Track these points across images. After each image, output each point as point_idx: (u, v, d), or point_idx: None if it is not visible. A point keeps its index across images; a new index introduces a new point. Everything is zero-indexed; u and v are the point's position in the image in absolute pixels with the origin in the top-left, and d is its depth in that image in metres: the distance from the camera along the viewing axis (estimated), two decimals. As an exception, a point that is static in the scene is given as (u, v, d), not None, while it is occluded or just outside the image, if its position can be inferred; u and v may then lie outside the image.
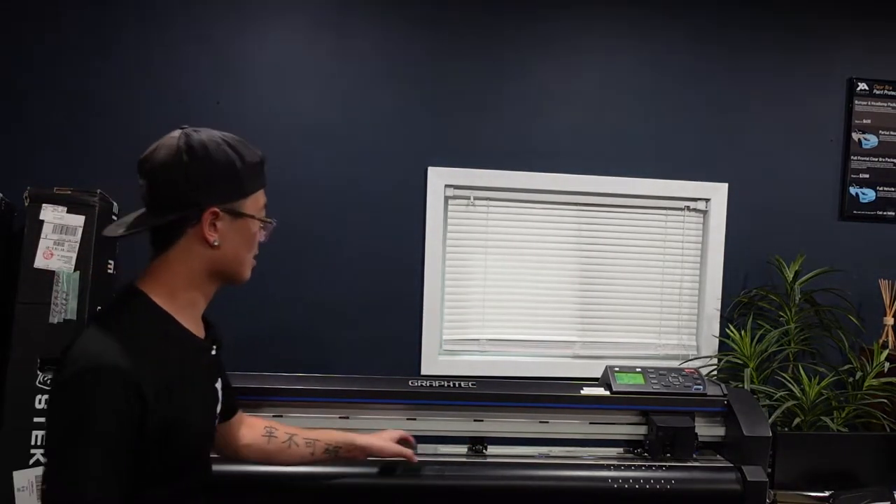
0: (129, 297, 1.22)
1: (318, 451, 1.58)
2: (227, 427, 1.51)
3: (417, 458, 1.69)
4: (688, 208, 2.96)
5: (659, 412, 1.91)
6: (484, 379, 2.01)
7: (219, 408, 1.37)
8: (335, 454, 1.60)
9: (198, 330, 1.30)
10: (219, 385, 1.37)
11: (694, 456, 1.90)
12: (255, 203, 1.28)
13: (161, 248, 1.23)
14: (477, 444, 1.91)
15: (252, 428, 1.56)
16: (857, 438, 2.44)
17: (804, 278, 2.83)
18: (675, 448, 1.86)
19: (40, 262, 2.34)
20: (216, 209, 1.21)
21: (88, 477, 1.08)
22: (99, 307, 1.26)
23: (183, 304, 1.25)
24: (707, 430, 1.95)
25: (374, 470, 1.73)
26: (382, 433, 1.70)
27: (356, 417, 1.86)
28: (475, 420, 1.90)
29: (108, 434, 1.09)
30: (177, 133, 1.22)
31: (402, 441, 1.71)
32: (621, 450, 1.98)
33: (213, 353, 1.35)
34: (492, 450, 1.91)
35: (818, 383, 2.55)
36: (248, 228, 1.27)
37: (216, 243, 1.22)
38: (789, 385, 2.59)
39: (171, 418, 1.16)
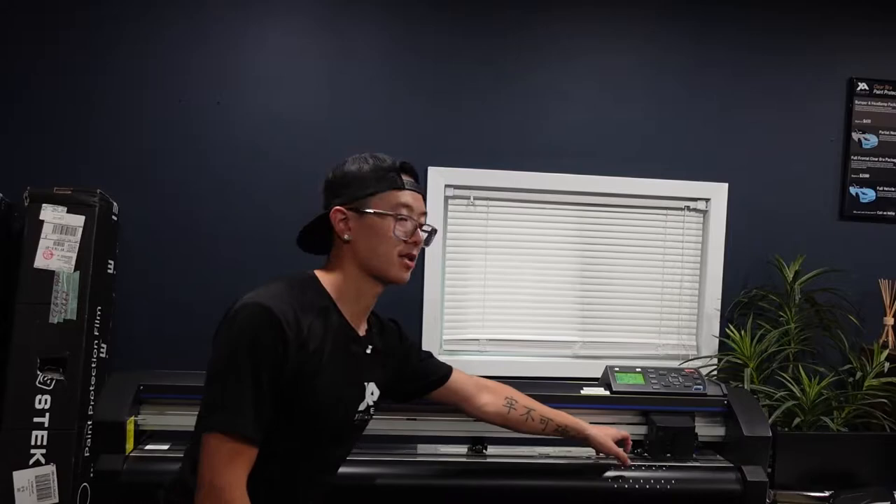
0: (301, 274, 1.43)
1: (550, 428, 1.74)
2: (457, 391, 1.69)
3: (630, 462, 1.80)
4: (688, 208, 2.96)
5: (659, 412, 1.91)
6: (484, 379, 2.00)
7: (362, 405, 1.48)
8: (563, 434, 1.77)
9: (357, 324, 1.46)
10: (370, 386, 1.49)
11: (694, 456, 1.90)
12: (385, 202, 1.42)
13: (328, 249, 1.47)
14: (477, 444, 1.91)
15: (495, 395, 1.72)
16: (857, 438, 2.44)
17: (804, 278, 2.84)
18: (675, 448, 1.86)
19: (40, 262, 2.34)
20: (339, 208, 1.41)
21: (238, 394, 1.25)
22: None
23: (346, 296, 1.43)
24: (707, 430, 1.95)
25: (377, 471, 1.74)
26: (606, 428, 1.82)
27: (356, 417, 1.85)
28: (475, 420, 1.89)
29: (256, 359, 1.26)
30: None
31: (621, 440, 1.82)
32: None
33: (369, 352, 1.48)
34: (492, 450, 1.90)
35: (818, 383, 2.55)
36: (376, 224, 1.41)
37: (347, 238, 1.41)
38: (789, 385, 2.59)
39: (305, 376, 1.32)
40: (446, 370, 1.70)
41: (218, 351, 1.30)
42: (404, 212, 1.42)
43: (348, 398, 1.45)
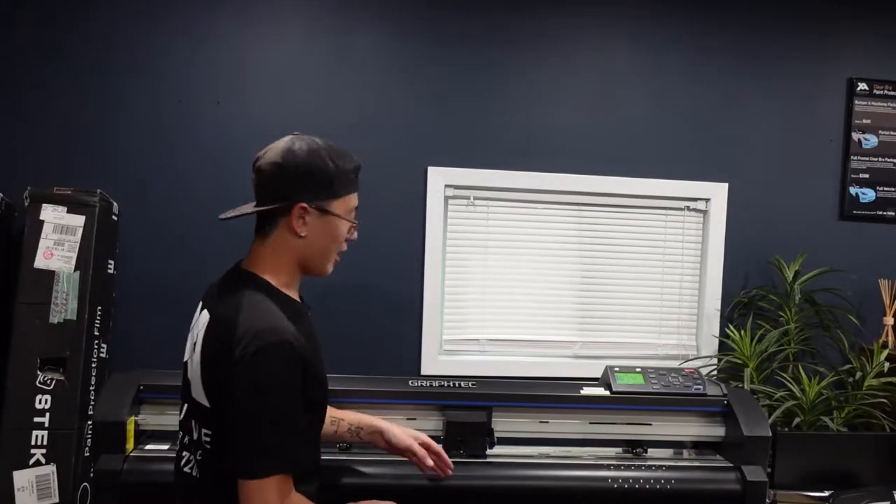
0: (257, 282, 1.40)
1: (342, 429, 1.70)
2: None
3: (430, 466, 1.67)
4: (688, 208, 2.96)
5: (454, 407, 1.85)
6: (484, 379, 2.01)
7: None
8: (357, 434, 1.70)
9: (297, 296, 1.48)
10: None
11: (695, 456, 1.90)
12: (345, 205, 1.44)
13: (262, 235, 1.43)
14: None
15: None
16: (857, 438, 2.44)
17: (804, 278, 2.84)
18: (467, 444, 1.83)
19: (40, 262, 2.34)
20: (304, 205, 1.38)
21: (291, 432, 1.29)
22: (220, 289, 1.45)
23: (289, 284, 1.44)
24: (707, 430, 1.95)
25: (377, 471, 1.74)
26: (409, 430, 1.70)
27: (356, 417, 1.85)
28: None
29: (297, 393, 1.30)
30: (287, 137, 1.43)
31: (426, 448, 1.68)
32: (621, 450, 1.98)
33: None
34: (492, 450, 1.90)
35: (818, 383, 2.55)
36: (333, 226, 1.42)
37: (303, 234, 1.40)
38: (789, 385, 2.59)
39: (315, 376, 1.38)
40: None
41: (255, 394, 1.26)
42: (354, 214, 1.47)
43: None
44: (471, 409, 1.86)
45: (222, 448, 1.32)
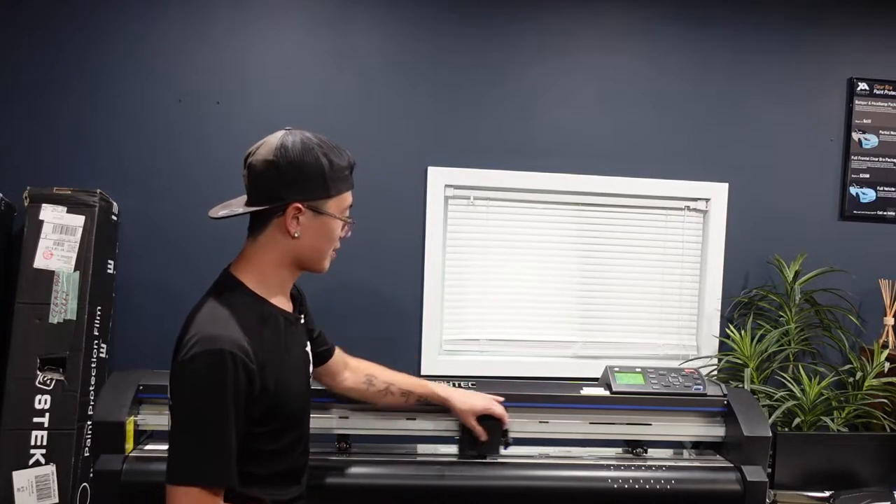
0: (229, 285, 1.38)
1: (412, 400, 1.77)
2: (329, 368, 1.71)
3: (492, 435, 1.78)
4: (688, 208, 2.96)
5: None
6: (484, 379, 2.01)
7: (311, 367, 1.55)
8: (427, 403, 1.78)
9: (287, 306, 1.46)
10: (308, 347, 1.56)
11: (694, 455, 1.90)
12: (339, 204, 1.41)
13: (253, 234, 1.41)
14: (477, 444, 1.90)
15: (355, 373, 1.75)
16: (857, 438, 2.44)
17: (804, 278, 2.84)
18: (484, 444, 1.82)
19: (40, 262, 2.34)
20: (299, 205, 1.36)
21: (211, 445, 1.24)
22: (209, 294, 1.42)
23: (272, 285, 1.41)
24: (707, 430, 1.95)
25: (377, 471, 1.74)
26: (473, 398, 1.78)
27: (356, 417, 1.86)
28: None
29: (228, 406, 1.24)
30: (280, 133, 1.40)
31: (486, 416, 1.77)
32: (621, 450, 1.98)
33: (302, 321, 1.52)
34: (492, 450, 1.90)
35: (818, 383, 2.55)
36: (327, 226, 1.40)
37: (296, 234, 1.37)
38: (789, 385, 2.59)
39: (274, 387, 1.34)
40: (332, 344, 1.72)
41: (183, 401, 1.26)
42: (348, 213, 1.44)
43: (303, 371, 1.51)
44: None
45: None
